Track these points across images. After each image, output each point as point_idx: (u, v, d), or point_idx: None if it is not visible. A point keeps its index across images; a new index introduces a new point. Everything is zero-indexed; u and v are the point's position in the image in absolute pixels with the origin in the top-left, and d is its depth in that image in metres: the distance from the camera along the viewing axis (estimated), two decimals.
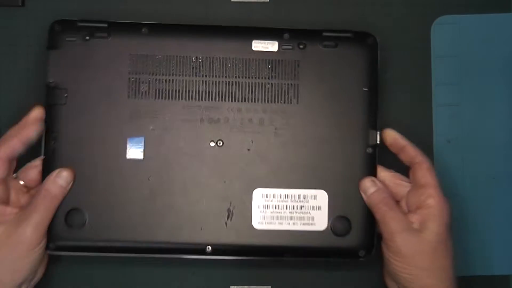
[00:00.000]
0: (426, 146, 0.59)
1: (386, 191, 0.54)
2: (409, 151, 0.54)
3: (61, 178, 0.52)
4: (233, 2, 0.61)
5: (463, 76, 0.62)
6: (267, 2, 0.61)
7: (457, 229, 0.58)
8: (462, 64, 0.62)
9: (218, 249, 0.54)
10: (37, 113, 0.53)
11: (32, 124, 0.53)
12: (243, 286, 0.60)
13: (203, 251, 0.54)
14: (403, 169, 0.56)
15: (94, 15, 0.57)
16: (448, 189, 0.58)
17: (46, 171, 0.53)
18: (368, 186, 0.54)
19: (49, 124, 0.54)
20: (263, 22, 0.60)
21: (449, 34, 0.62)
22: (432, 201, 0.52)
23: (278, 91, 0.55)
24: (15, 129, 0.53)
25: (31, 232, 0.50)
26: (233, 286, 0.59)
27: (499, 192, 0.62)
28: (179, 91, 0.55)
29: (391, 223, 0.52)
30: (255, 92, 0.55)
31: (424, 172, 0.53)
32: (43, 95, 0.55)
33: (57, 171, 0.52)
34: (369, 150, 0.55)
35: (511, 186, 0.62)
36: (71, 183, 0.53)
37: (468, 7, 0.62)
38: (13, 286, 0.50)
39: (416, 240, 0.51)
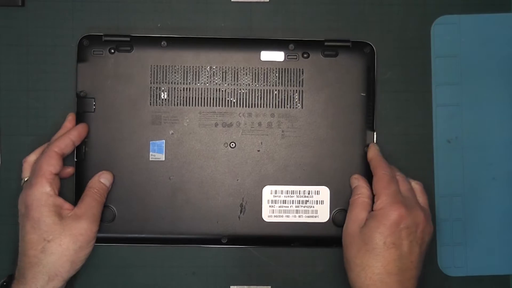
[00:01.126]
0: (426, 146, 0.63)
1: (364, 188, 0.59)
2: (371, 164, 0.60)
3: (104, 178, 0.59)
4: (233, 2, 0.62)
5: (463, 76, 0.62)
6: (267, 2, 0.62)
7: (458, 229, 0.62)
8: (462, 64, 0.62)
9: (233, 240, 0.61)
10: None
11: (82, 127, 0.59)
12: (243, 286, 0.62)
13: (219, 241, 0.60)
14: (402, 166, 0.61)
15: (93, 14, 0.61)
16: (448, 189, 0.62)
17: (79, 173, 0.60)
18: (353, 181, 0.60)
19: None
20: (263, 22, 0.62)
21: (449, 34, 0.62)
22: (376, 205, 0.56)
23: (284, 97, 0.61)
24: (67, 131, 0.58)
25: (89, 224, 0.56)
26: (233, 286, 0.62)
27: (499, 192, 0.62)
28: (195, 98, 0.60)
29: (349, 215, 0.58)
30: (263, 98, 0.61)
31: (374, 183, 0.58)
32: (42, 95, 0.60)
33: (100, 173, 0.59)
34: (367, 149, 0.61)
35: (511, 186, 0.62)
36: (112, 183, 0.59)
37: (468, 7, 0.62)
38: (65, 279, 0.55)
39: (351, 234, 0.56)
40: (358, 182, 0.59)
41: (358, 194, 0.58)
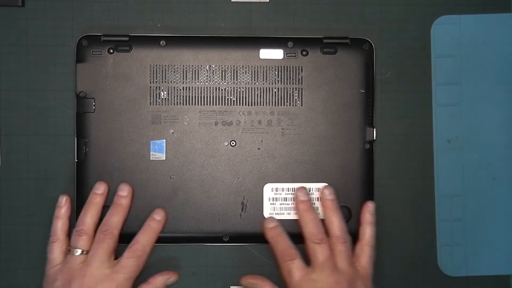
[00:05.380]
0: (426, 146, 0.63)
1: None
2: None
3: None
4: (233, 2, 0.62)
5: (463, 76, 0.62)
6: (267, 2, 0.62)
7: (458, 229, 0.62)
8: (462, 64, 0.62)
9: (234, 238, 0.61)
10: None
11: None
12: (243, 286, 0.62)
13: (220, 240, 0.61)
14: (402, 166, 0.62)
15: (93, 14, 0.61)
16: (448, 189, 0.63)
17: (79, 173, 0.60)
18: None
19: (80, 130, 0.60)
20: (263, 22, 0.62)
21: (449, 34, 0.63)
22: None
23: (284, 94, 0.61)
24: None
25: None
26: (233, 286, 0.62)
27: (499, 192, 0.62)
28: (195, 97, 0.60)
29: None
30: (263, 96, 0.61)
31: None
32: (42, 95, 0.60)
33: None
34: (367, 146, 0.61)
35: (511, 186, 0.62)
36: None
37: (468, 7, 0.63)
38: None
39: None
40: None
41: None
